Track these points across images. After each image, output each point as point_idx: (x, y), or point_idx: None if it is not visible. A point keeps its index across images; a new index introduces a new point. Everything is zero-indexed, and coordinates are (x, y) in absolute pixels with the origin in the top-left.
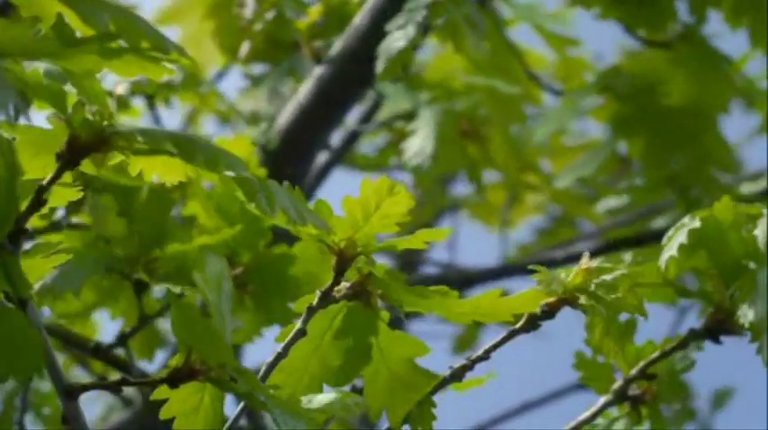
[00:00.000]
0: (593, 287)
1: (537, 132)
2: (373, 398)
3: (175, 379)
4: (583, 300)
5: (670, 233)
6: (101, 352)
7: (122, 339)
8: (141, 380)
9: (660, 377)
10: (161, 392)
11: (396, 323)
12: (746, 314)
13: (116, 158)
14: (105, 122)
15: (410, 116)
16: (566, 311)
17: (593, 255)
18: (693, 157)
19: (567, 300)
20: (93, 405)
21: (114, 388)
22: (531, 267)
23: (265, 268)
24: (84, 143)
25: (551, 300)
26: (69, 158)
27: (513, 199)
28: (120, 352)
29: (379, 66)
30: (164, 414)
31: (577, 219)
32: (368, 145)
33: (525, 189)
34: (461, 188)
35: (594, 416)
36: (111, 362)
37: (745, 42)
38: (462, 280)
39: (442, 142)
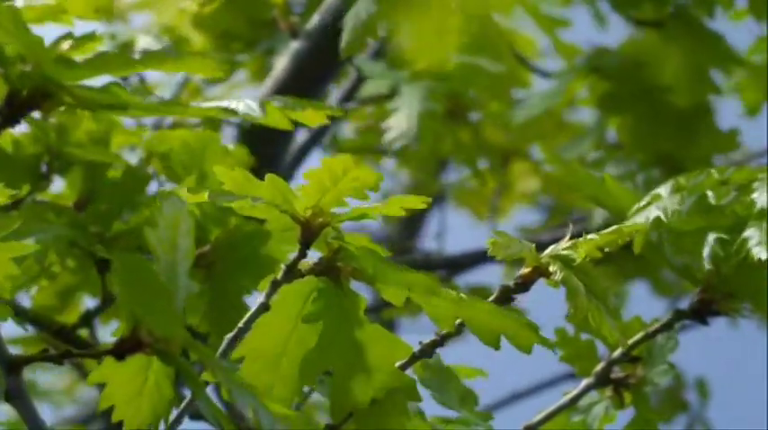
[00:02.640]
0: (565, 252)
1: (520, 114)
2: (341, 398)
3: (121, 350)
4: (557, 269)
5: (643, 203)
6: (64, 332)
7: (86, 319)
8: (85, 352)
9: (645, 358)
10: (100, 374)
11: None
12: (759, 250)
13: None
14: (47, 76)
15: (392, 95)
16: (557, 301)
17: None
18: (684, 137)
19: (541, 270)
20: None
21: (57, 360)
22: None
23: (235, 246)
24: (26, 98)
25: (525, 271)
26: (9, 115)
27: (502, 187)
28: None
29: (344, 38)
30: (103, 403)
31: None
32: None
33: (515, 176)
34: (450, 176)
35: (575, 399)
36: (75, 344)
37: (739, 24)
38: (447, 265)
39: (427, 123)
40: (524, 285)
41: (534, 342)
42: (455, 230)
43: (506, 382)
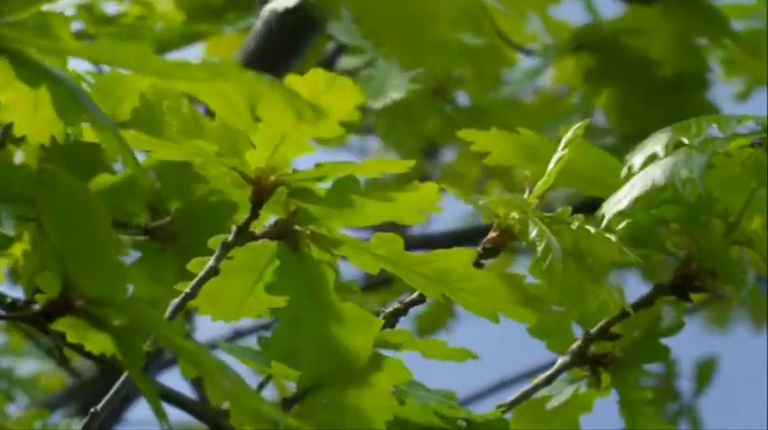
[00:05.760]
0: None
1: (504, 92)
2: (312, 382)
3: (50, 312)
4: (531, 224)
5: (624, 173)
6: (17, 308)
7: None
8: (12, 314)
9: (636, 339)
10: None
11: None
12: None
13: None
14: None
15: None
16: None
17: None
18: (674, 115)
19: (511, 231)
20: None
21: None
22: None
23: (198, 218)
24: None
25: (493, 235)
26: None
27: (489, 169)
28: None
29: None
30: None
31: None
32: None
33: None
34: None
35: (550, 379)
36: (27, 321)
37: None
38: (424, 243)
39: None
40: (494, 250)
41: (534, 319)
42: (444, 217)
43: (495, 370)
